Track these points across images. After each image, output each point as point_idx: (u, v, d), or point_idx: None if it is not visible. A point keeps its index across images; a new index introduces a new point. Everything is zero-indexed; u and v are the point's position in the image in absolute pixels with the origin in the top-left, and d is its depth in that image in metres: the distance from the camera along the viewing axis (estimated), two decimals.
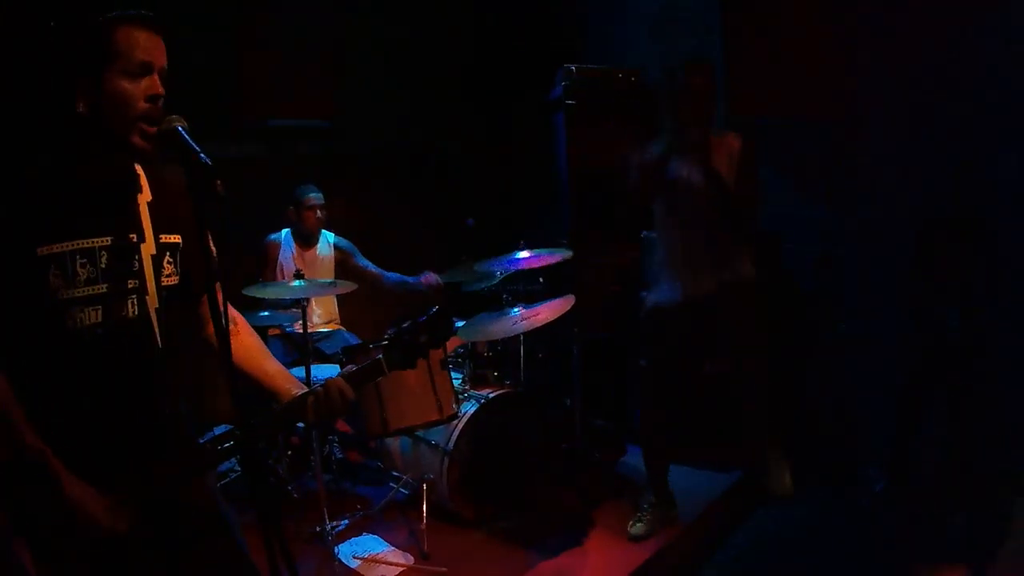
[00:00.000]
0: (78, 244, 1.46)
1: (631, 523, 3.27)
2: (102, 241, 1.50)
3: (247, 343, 1.78)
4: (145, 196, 1.59)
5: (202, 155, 1.42)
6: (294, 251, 4.07)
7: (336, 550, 3.07)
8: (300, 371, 3.36)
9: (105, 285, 1.50)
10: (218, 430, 3.48)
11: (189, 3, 3.76)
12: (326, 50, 4.15)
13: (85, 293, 1.47)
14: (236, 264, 3.96)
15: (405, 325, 1.75)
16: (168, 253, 1.60)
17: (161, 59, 1.49)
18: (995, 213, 3.50)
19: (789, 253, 4.35)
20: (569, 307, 3.41)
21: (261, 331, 3.83)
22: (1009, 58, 3.63)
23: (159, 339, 1.57)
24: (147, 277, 1.56)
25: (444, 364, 3.24)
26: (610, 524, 3.35)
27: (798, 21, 4.04)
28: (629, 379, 4.30)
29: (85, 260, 1.47)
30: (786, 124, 4.30)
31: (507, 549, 3.19)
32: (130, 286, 1.54)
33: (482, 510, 3.34)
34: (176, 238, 1.62)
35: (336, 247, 4.17)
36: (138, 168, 1.59)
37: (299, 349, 3.81)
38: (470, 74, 5.24)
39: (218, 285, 1.61)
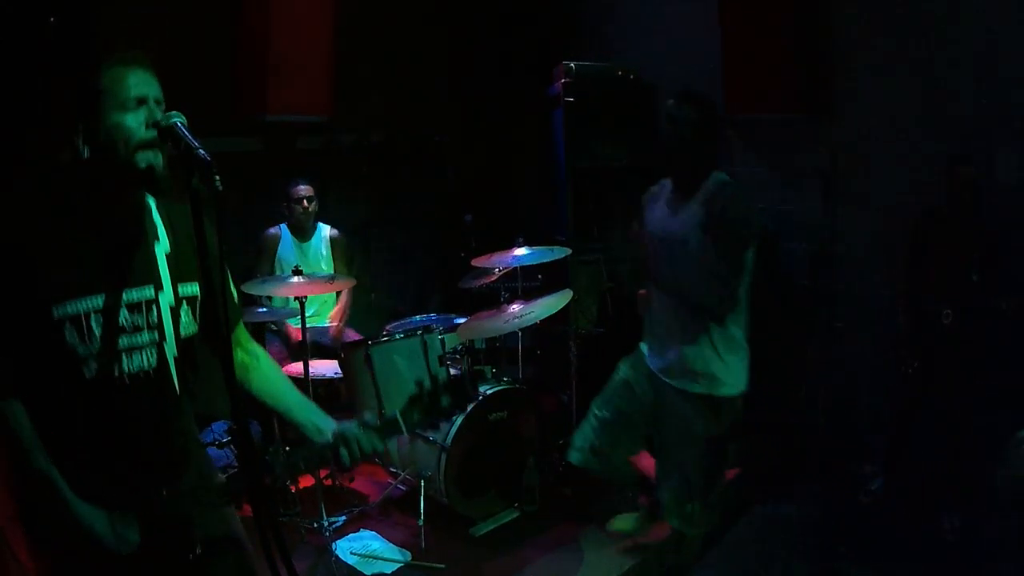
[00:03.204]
0: (94, 302, 1.46)
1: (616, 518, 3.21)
2: (118, 297, 1.49)
3: (269, 376, 1.77)
4: (163, 246, 1.58)
5: (201, 150, 1.41)
6: (292, 246, 4.06)
7: (334, 546, 3.07)
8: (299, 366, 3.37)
9: (122, 340, 1.50)
10: (216, 427, 3.49)
11: None
12: (324, 45, 4.14)
13: (102, 349, 1.47)
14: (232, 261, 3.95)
15: (427, 387, 1.67)
16: (186, 303, 1.60)
17: (154, 90, 1.50)
18: (992, 210, 3.51)
19: (786, 251, 4.36)
20: (566, 302, 3.42)
21: (259, 327, 3.84)
22: (1005, 54, 3.63)
23: (177, 388, 1.58)
24: (166, 329, 1.56)
25: (442, 360, 3.24)
26: (606, 520, 3.35)
27: (795, 20, 4.04)
28: None
29: (102, 318, 1.47)
30: (784, 123, 4.30)
31: (504, 545, 3.20)
32: (148, 339, 1.54)
33: (479, 506, 3.35)
34: (194, 287, 1.61)
35: (330, 240, 4.17)
36: (153, 213, 1.59)
37: (297, 344, 3.81)
38: (469, 70, 5.23)
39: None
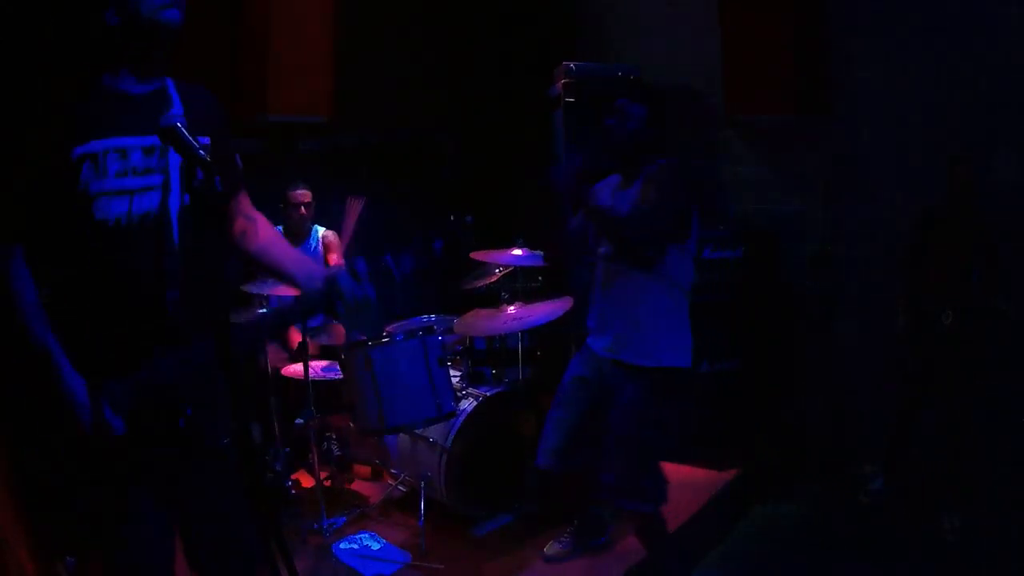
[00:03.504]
0: (111, 143, 1.60)
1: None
2: (134, 141, 1.63)
3: (265, 237, 1.88)
4: (177, 108, 1.67)
5: (201, 151, 1.43)
6: None
7: (334, 547, 3.07)
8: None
9: (134, 180, 1.63)
10: None
11: None
12: (324, 45, 4.14)
13: (115, 186, 1.60)
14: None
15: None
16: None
17: None
18: (992, 210, 3.51)
19: (786, 251, 4.36)
20: (566, 309, 3.42)
21: (258, 328, 3.83)
22: (1005, 55, 3.64)
23: (176, 236, 1.66)
24: (173, 177, 1.66)
25: (442, 361, 3.24)
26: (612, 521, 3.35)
27: (795, 21, 4.04)
28: None
29: (117, 156, 1.61)
30: (784, 123, 4.30)
31: (504, 546, 3.20)
32: (157, 183, 1.65)
33: (479, 507, 3.35)
34: (205, 141, 1.67)
35: (323, 240, 4.14)
36: (170, 88, 1.72)
37: (296, 346, 3.80)
38: (469, 70, 5.23)
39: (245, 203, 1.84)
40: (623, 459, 2.64)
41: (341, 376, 3.45)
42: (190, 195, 1.49)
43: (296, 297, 1.82)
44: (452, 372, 3.43)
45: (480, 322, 3.44)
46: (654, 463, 2.69)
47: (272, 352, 3.63)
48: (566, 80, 4.29)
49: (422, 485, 3.23)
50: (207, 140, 1.67)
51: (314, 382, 3.31)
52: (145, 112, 1.63)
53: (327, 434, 3.73)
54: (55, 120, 1.60)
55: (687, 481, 3.69)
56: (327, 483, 3.59)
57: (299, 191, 3.97)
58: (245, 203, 1.87)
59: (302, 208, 3.96)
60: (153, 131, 1.58)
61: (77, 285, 1.62)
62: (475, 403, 3.31)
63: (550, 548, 3.11)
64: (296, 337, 3.77)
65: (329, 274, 1.72)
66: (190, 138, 1.46)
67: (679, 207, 2.55)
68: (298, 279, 1.80)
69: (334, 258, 4.07)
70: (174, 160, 1.65)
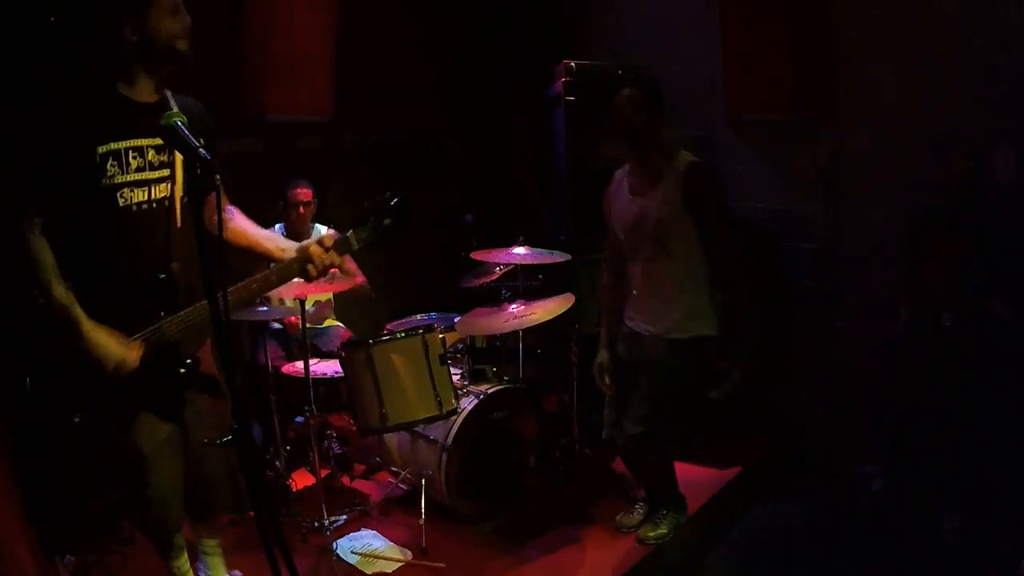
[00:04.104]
0: (131, 143, 1.94)
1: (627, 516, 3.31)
2: (149, 142, 1.97)
3: (240, 225, 2.24)
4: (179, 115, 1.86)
5: (201, 150, 1.45)
6: None
7: (335, 545, 3.07)
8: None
9: (150, 173, 1.98)
10: None
11: None
12: (324, 45, 4.14)
13: (135, 178, 1.96)
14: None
15: (373, 210, 2.19)
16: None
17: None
18: (991, 210, 3.51)
19: (787, 251, 4.36)
20: (568, 306, 3.42)
21: (258, 327, 3.84)
22: (1005, 55, 3.64)
23: (179, 220, 2.03)
24: (178, 171, 2.02)
25: (443, 359, 3.24)
26: (607, 519, 3.35)
27: (795, 21, 4.04)
28: None
29: (136, 154, 1.96)
30: (784, 123, 4.30)
31: (505, 545, 3.20)
32: (166, 175, 2.01)
33: (480, 506, 3.35)
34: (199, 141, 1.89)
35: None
36: (167, 97, 2.01)
37: (296, 345, 3.81)
38: (470, 69, 5.23)
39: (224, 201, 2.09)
40: (643, 409, 2.90)
41: (341, 374, 3.45)
42: (189, 187, 1.58)
43: (274, 267, 2.14)
44: (453, 370, 3.43)
45: (481, 321, 3.44)
46: (671, 418, 2.93)
47: (272, 350, 3.63)
48: (566, 79, 4.28)
49: (423, 483, 3.24)
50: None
51: (314, 380, 3.32)
52: (153, 117, 1.82)
53: (327, 432, 3.73)
54: (80, 121, 1.88)
55: (687, 481, 3.68)
56: (329, 482, 3.59)
57: (300, 189, 3.93)
58: (222, 200, 2.06)
59: (302, 206, 3.94)
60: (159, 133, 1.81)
61: (95, 257, 1.94)
62: (476, 401, 3.31)
63: (623, 518, 3.29)
64: (295, 322, 3.75)
65: (300, 247, 2.12)
66: (190, 136, 1.49)
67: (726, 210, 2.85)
68: (273, 254, 2.15)
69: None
70: (179, 158, 1.93)
